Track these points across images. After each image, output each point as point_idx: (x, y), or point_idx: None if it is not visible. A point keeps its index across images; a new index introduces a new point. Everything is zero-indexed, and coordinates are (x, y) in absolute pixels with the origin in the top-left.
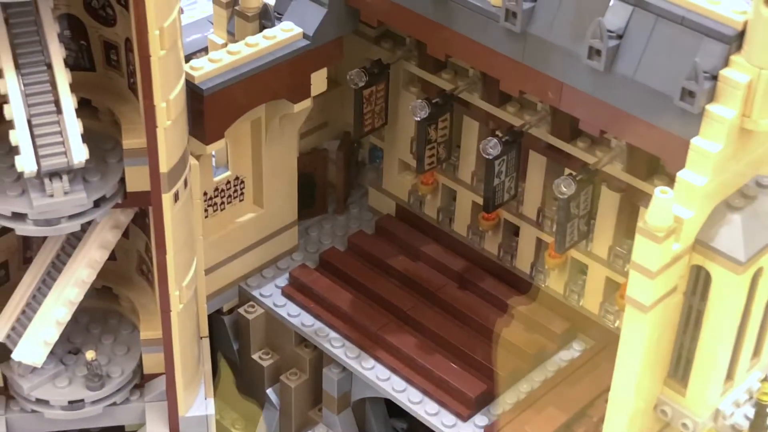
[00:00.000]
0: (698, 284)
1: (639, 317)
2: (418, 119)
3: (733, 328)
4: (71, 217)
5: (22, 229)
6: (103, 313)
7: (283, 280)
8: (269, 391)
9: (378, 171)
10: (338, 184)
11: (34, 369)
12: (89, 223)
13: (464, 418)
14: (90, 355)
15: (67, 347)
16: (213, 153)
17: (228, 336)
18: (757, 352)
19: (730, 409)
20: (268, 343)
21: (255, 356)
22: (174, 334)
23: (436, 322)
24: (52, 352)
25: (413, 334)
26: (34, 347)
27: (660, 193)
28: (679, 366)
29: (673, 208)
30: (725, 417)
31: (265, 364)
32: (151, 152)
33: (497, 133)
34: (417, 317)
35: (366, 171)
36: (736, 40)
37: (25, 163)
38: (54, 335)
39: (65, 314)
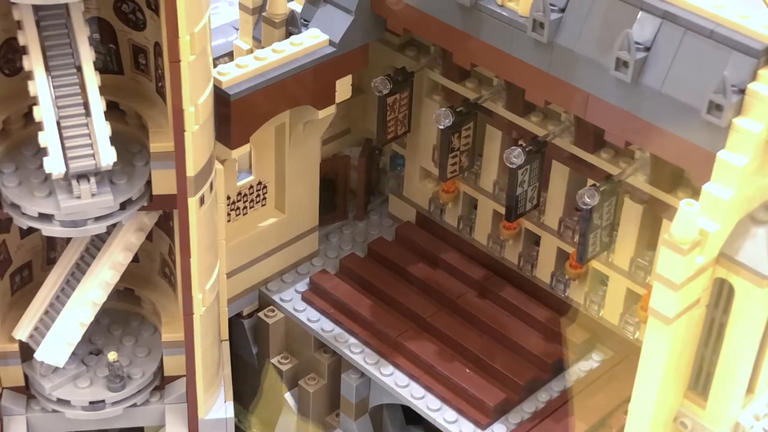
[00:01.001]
0: (721, 297)
1: (662, 329)
2: (442, 127)
3: (755, 342)
4: (97, 218)
5: (49, 230)
6: (124, 315)
7: (303, 285)
8: (287, 396)
9: (399, 178)
10: (359, 191)
11: (56, 369)
12: (114, 225)
13: (483, 427)
14: (112, 356)
15: (89, 348)
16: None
17: (248, 340)
18: None
19: (750, 422)
20: (287, 348)
21: (274, 360)
22: (196, 337)
23: (456, 329)
24: (73, 353)
25: (432, 341)
26: (56, 347)
27: (686, 206)
28: (700, 378)
29: (698, 220)
30: (745, 430)
31: (283, 368)
32: (178, 156)
33: (521, 142)
34: (436, 324)
35: (387, 178)
36: (765, 54)
37: (54, 164)
38: (77, 336)
39: (88, 315)
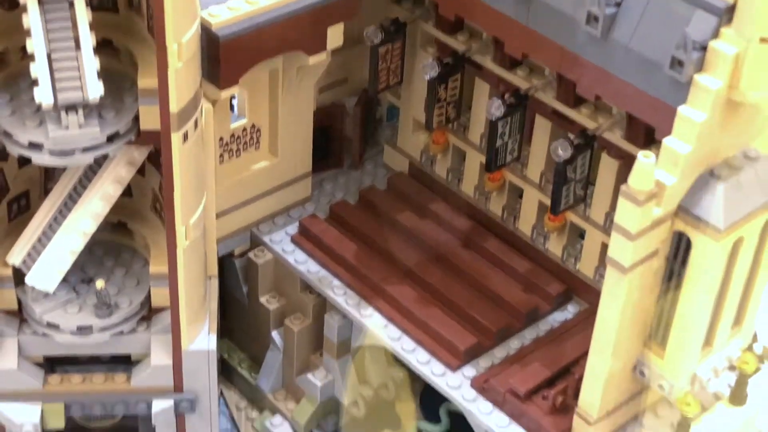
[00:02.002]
0: (680, 250)
1: (619, 278)
2: (428, 78)
3: (711, 295)
4: (85, 150)
5: (39, 158)
6: (117, 247)
7: (293, 228)
8: (274, 334)
9: (394, 129)
10: (354, 140)
11: (46, 294)
12: (104, 158)
13: (453, 369)
14: (99, 284)
15: (81, 276)
16: (234, 102)
17: (238, 278)
18: (738, 321)
19: (708, 374)
20: (275, 288)
21: (262, 299)
22: (179, 269)
23: (436, 277)
24: (65, 280)
25: (413, 288)
26: (46, 273)
27: (643, 157)
28: (659, 329)
29: (656, 173)
30: (702, 382)
31: (271, 307)
32: (161, 92)
33: (504, 95)
34: (418, 272)
35: (383, 129)
36: (727, 12)
37: (43, 95)
38: (66, 263)
39: (78, 244)
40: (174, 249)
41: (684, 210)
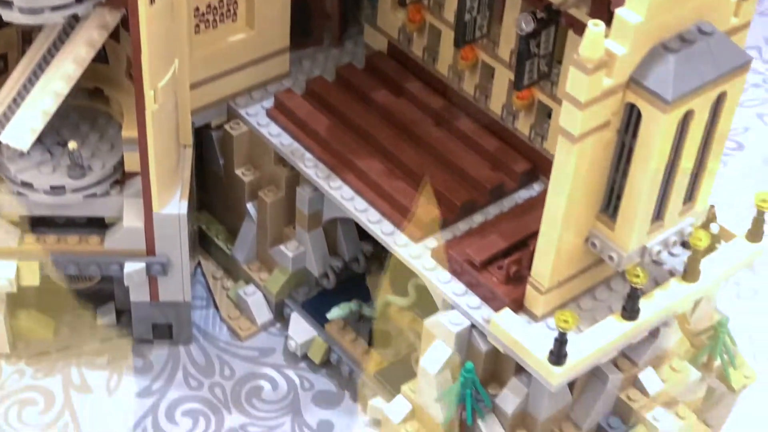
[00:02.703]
0: (630, 122)
1: (569, 148)
2: None
3: (660, 167)
4: (54, 8)
5: (9, 15)
6: (93, 113)
7: (270, 103)
8: (249, 206)
9: (374, 8)
10: (334, 16)
11: (22, 154)
12: (76, 20)
13: (415, 240)
14: (72, 145)
15: (56, 139)
16: None
17: (215, 151)
18: (692, 198)
19: (658, 247)
20: (250, 161)
21: (238, 172)
22: (149, 131)
23: (405, 153)
24: (41, 142)
25: (382, 162)
26: (20, 132)
27: (593, 26)
28: (611, 202)
29: (607, 43)
30: (652, 254)
31: (246, 179)
32: None
33: None
34: (389, 147)
35: (364, 7)
36: None
37: None
38: (39, 123)
39: (51, 105)
40: (143, 111)
41: (635, 81)
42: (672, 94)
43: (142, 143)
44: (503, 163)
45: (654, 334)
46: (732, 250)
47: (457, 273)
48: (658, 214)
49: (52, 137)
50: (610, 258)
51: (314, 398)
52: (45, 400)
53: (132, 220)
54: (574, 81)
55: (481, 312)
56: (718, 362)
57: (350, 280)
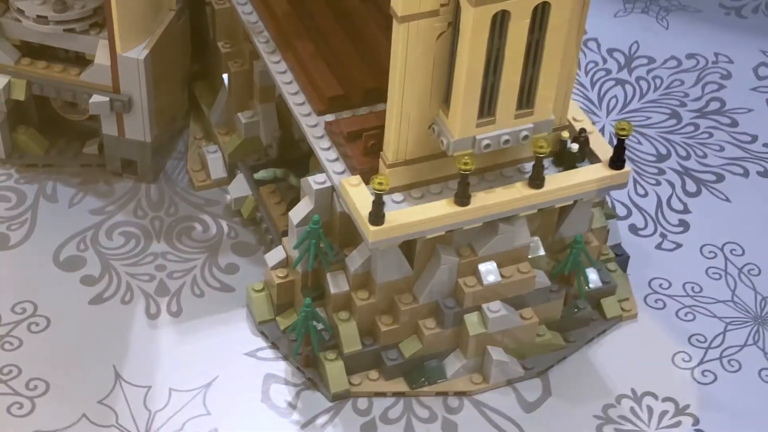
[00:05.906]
0: (458, 17)
1: (396, 27)
2: None
3: (474, 63)
4: None
5: None
6: None
7: None
8: (224, 76)
9: None
10: None
11: None
12: None
13: (317, 113)
14: None
15: None
16: None
17: (207, 24)
18: (529, 104)
19: (487, 141)
20: (229, 35)
21: (219, 44)
22: None
23: (337, 38)
24: None
25: (316, 44)
26: None
27: None
28: (449, 92)
29: None
30: (481, 147)
31: (224, 51)
32: None
33: None
34: (325, 30)
35: None
36: None
37: None
38: None
39: None
40: None
41: None
42: None
43: None
44: None
45: (494, 228)
46: (589, 171)
47: (335, 144)
48: (489, 111)
49: None
50: (442, 143)
51: (233, 246)
52: (17, 199)
53: (102, 58)
54: None
55: (342, 177)
56: None
57: (299, 157)
